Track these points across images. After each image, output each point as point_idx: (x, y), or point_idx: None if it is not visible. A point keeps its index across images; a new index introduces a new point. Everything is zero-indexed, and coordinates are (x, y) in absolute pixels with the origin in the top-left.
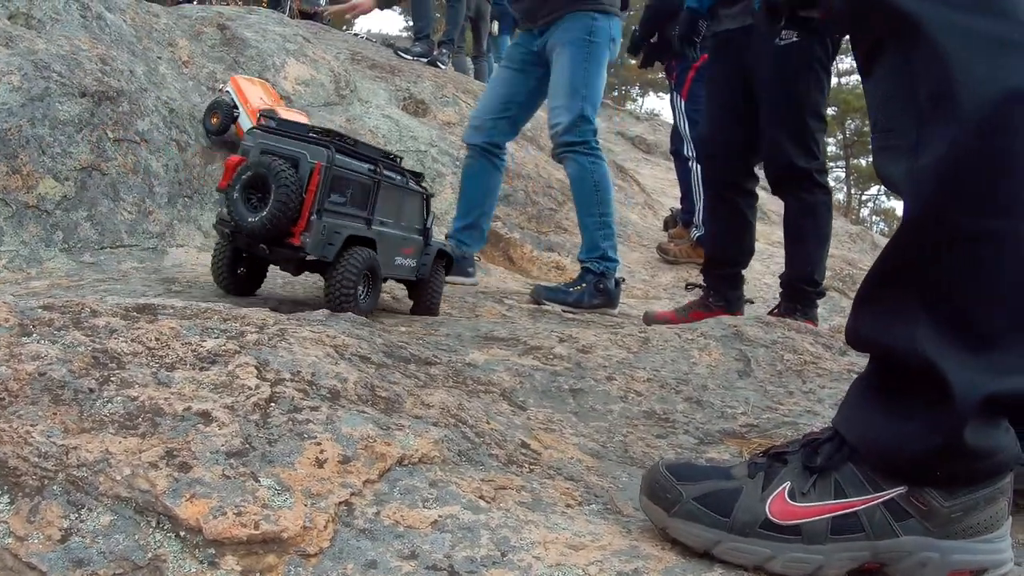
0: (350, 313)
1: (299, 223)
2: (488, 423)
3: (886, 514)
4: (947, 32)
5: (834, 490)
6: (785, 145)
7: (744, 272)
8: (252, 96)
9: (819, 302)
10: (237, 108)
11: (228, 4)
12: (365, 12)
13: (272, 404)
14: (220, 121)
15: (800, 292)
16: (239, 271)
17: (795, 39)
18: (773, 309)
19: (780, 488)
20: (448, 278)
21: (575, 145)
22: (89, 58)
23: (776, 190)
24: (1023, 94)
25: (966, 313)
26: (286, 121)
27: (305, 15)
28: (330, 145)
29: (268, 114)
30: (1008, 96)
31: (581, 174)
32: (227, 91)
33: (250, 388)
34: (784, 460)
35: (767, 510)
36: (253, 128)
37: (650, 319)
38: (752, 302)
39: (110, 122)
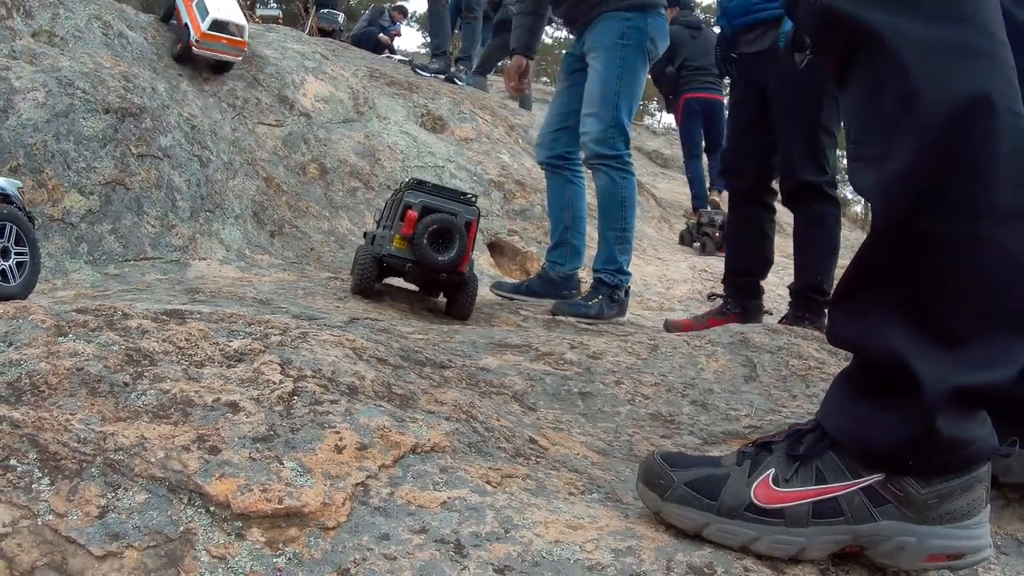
0: (369, 320)
1: (464, 259)
2: (498, 420)
3: (864, 500)
4: (908, 42)
5: (815, 477)
6: (797, 160)
7: (762, 283)
8: None
9: (828, 311)
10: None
11: (248, 22)
12: None
13: (295, 397)
14: (164, 10)
15: (809, 301)
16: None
17: (809, 57)
18: (782, 318)
19: (765, 474)
20: (544, 302)
21: (608, 159)
22: (112, 75)
23: (788, 203)
24: (983, 99)
25: (934, 312)
26: (436, 185)
27: (324, 32)
28: (475, 205)
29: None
30: (969, 102)
31: (611, 189)
32: None
33: (274, 383)
34: (770, 449)
35: (752, 494)
36: (412, 189)
37: (669, 327)
38: (770, 313)
39: (133, 138)
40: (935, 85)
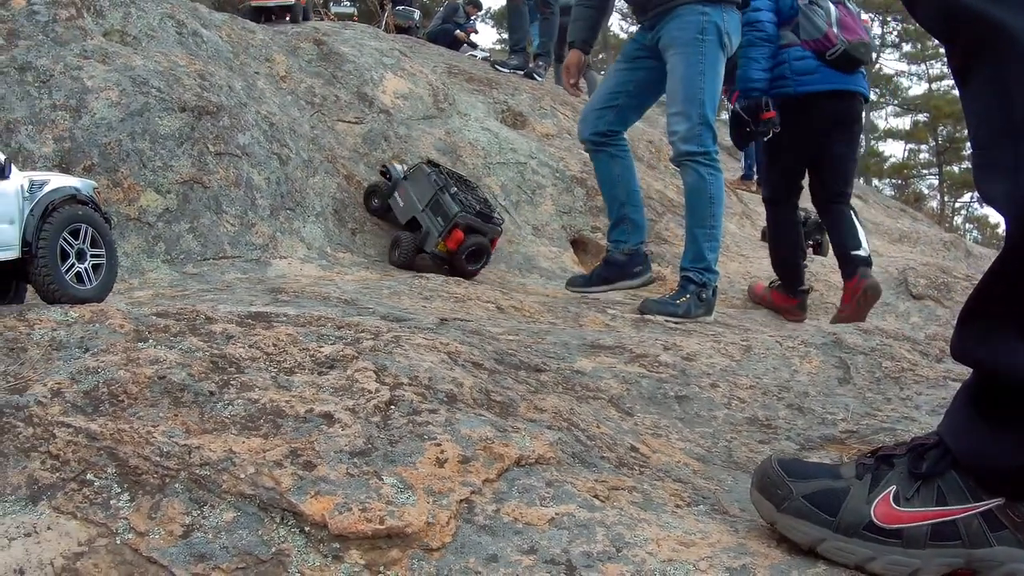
0: (458, 321)
1: (484, 265)
2: (598, 427)
3: (983, 524)
4: None
5: (936, 497)
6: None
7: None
8: None
9: (915, 310)
10: None
11: (323, 19)
12: None
13: (392, 407)
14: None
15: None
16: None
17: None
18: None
19: (886, 492)
20: (616, 285)
21: (696, 155)
22: (187, 73)
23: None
24: None
25: None
26: (480, 211)
27: (400, 29)
28: (500, 225)
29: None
30: None
31: (700, 185)
32: None
33: (370, 391)
34: (891, 463)
35: (872, 513)
36: (461, 212)
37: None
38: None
39: (211, 136)
40: None
